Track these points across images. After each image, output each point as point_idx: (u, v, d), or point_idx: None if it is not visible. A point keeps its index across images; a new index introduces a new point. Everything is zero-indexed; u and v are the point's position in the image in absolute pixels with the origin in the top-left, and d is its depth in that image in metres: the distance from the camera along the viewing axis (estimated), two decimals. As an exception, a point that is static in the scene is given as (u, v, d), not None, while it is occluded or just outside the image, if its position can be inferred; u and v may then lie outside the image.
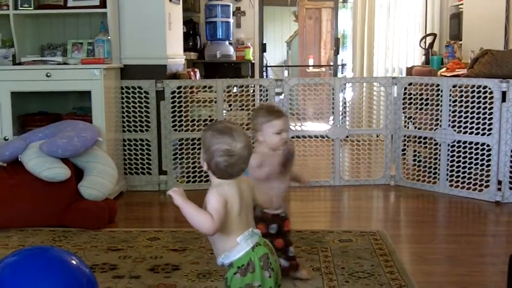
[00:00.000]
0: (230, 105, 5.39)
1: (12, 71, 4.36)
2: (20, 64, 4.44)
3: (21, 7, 4.52)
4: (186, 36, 6.98)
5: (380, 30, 7.53)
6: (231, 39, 7.63)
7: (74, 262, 2.10)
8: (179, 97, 4.88)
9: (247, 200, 1.99)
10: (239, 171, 1.96)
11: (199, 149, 4.76)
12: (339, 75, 8.33)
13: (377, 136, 5.60)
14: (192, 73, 5.80)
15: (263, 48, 8.14)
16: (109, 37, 4.54)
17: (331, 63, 9.51)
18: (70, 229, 3.73)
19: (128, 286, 2.80)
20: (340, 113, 5.02)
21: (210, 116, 5.05)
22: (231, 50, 7.53)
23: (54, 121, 4.31)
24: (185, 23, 6.49)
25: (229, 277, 1.93)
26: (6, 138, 4.29)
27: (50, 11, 4.59)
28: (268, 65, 9.95)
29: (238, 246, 1.93)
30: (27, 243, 3.46)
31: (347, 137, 5.07)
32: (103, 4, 4.52)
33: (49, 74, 4.27)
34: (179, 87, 4.89)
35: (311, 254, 3.23)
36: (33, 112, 4.67)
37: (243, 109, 5.38)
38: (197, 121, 4.97)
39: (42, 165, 3.73)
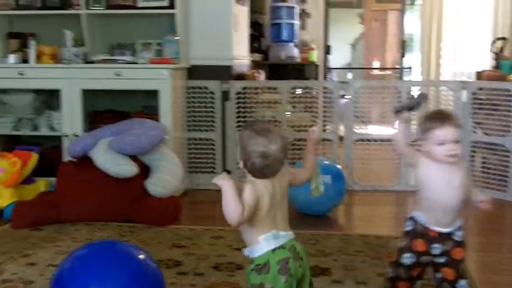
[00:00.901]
0: (294, 107, 5.38)
1: (83, 69, 4.49)
2: (91, 62, 4.57)
3: (92, 6, 4.65)
4: (251, 38, 7.02)
5: (449, 33, 7.36)
6: (295, 41, 7.63)
7: (141, 256, 2.14)
8: (244, 98, 4.91)
9: (279, 197, 2.01)
10: (274, 172, 1.98)
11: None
12: (405, 78, 8.20)
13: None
14: (256, 74, 5.83)
15: (327, 50, 8.10)
16: (177, 38, 4.61)
17: (397, 66, 9.36)
18: (136, 225, 3.81)
19: (192, 283, 2.84)
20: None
21: (274, 117, 5.06)
22: (295, 52, 7.52)
23: (122, 118, 4.41)
24: (251, 24, 6.51)
25: (248, 271, 2.00)
26: (77, 134, 4.42)
27: (121, 11, 4.70)
28: (332, 67, 9.88)
29: (259, 245, 1.97)
30: (94, 237, 3.55)
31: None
32: (171, 5, 4.59)
33: (118, 73, 4.38)
34: (244, 88, 4.93)
35: (375, 259, 3.18)
36: (103, 109, 4.79)
37: (306, 111, 5.36)
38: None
39: (111, 162, 3.83)
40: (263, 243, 1.97)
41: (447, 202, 2.25)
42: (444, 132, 2.19)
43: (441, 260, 2.26)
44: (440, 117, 2.25)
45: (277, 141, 1.95)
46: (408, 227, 2.33)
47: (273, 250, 1.96)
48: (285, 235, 2.00)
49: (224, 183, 1.93)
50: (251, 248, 2.00)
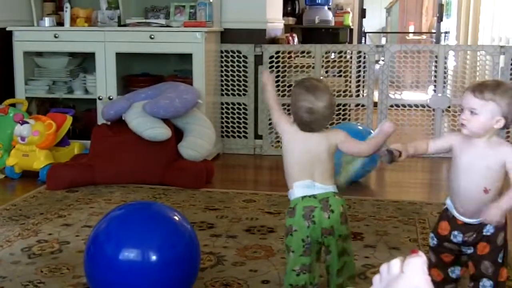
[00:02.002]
0: (327, 72, 5.33)
1: (117, 32, 4.50)
2: (125, 25, 4.57)
3: (127, -31, 4.63)
4: (285, 1, 6.93)
5: (488, -3, 7.17)
6: (330, 4, 7.51)
7: (177, 217, 2.17)
8: (277, 62, 4.87)
9: (319, 153, 2.10)
10: (320, 127, 2.11)
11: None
12: (442, 43, 8.03)
13: (481, 107, 5.37)
14: (290, 38, 5.77)
15: (362, 13, 7.96)
16: (210, 0, 4.58)
17: (433, 31, 9.18)
18: (169, 187, 3.85)
19: (225, 245, 2.86)
20: (443, 82, 4.85)
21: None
22: (329, 16, 7.42)
23: (156, 82, 4.42)
24: (285, -13, 6.44)
25: (286, 212, 2.14)
26: (111, 97, 4.45)
27: (155, -26, 4.68)
28: (366, 31, 9.73)
29: (292, 190, 2.11)
30: (128, 199, 3.60)
31: (448, 107, 4.90)
32: (206, -33, 4.56)
33: (152, 36, 4.38)
34: (277, 52, 4.88)
35: (408, 225, 3.17)
36: (137, 73, 4.81)
37: (340, 76, 5.31)
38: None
39: (144, 125, 3.85)
40: (295, 189, 2.10)
41: (466, 188, 2.02)
42: (465, 97, 2.02)
43: (469, 251, 2.08)
44: (474, 84, 2.06)
45: (324, 98, 2.06)
46: (444, 206, 2.22)
47: (303, 197, 2.08)
48: (322, 187, 2.09)
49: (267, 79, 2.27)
50: (289, 192, 2.13)
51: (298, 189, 2.09)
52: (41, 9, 4.81)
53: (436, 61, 4.82)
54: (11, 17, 4.64)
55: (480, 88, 1.96)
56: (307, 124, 2.08)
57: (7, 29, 4.54)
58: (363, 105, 4.98)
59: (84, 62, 4.80)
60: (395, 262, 0.87)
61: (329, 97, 2.08)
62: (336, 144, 2.13)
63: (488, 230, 2.03)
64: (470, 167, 2.00)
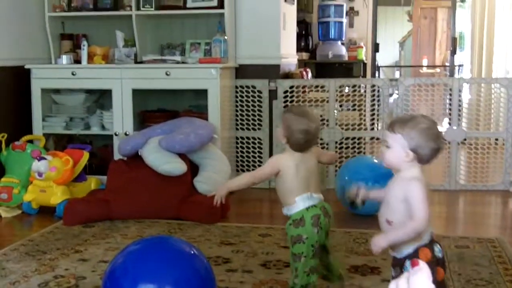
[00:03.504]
0: (341, 105, 5.35)
1: (134, 69, 4.57)
2: (141, 62, 4.64)
3: (143, 7, 4.72)
4: (299, 36, 7.01)
5: (500, 30, 7.19)
6: (343, 39, 7.58)
7: (193, 252, 2.17)
8: (291, 97, 4.91)
9: (312, 167, 2.41)
10: (311, 146, 2.41)
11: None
12: (456, 75, 8.04)
13: (496, 140, 5.36)
14: (304, 72, 5.82)
15: (376, 48, 8.02)
16: (225, 37, 4.64)
17: (447, 64, 9.20)
18: (185, 222, 3.85)
19: (241, 280, 2.85)
20: (457, 114, 4.85)
21: (321, 116, 5.04)
22: (343, 50, 7.48)
23: (172, 117, 4.46)
24: (298, 23, 6.51)
25: (287, 225, 2.40)
26: (127, 133, 4.49)
27: (170, 12, 4.76)
28: (379, 65, 9.78)
29: (295, 204, 2.37)
30: (145, 234, 3.60)
31: (464, 139, 4.89)
32: (220, 5, 4.63)
33: (168, 73, 4.44)
34: (291, 87, 4.92)
35: (425, 258, 3.14)
36: (152, 108, 4.86)
37: (354, 109, 5.33)
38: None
39: (160, 160, 3.88)
40: (298, 203, 2.37)
41: (379, 219, 2.10)
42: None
43: None
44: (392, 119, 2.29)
45: (315, 121, 2.39)
46: None
47: (307, 208, 2.36)
48: (317, 197, 2.40)
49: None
50: (288, 207, 2.39)
51: (301, 202, 2.36)
52: (59, 47, 4.90)
53: (450, 94, 4.83)
54: (29, 55, 4.74)
55: (392, 122, 2.05)
56: (303, 144, 2.37)
57: (25, 66, 4.63)
58: (378, 138, 4.98)
59: (100, 98, 4.87)
60: (403, 281, 0.87)
61: (317, 120, 2.45)
62: (318, 157, 2.48)
63: (407, 268, 2.00)
64: (384, 199, 2.11)
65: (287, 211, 2.41)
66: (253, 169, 4.93)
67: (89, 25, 5.05)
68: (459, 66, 8.38)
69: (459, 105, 4.85)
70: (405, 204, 1.98)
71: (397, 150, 2.01)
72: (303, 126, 2.33)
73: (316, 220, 2.35)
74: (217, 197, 2.42)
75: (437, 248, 2.04)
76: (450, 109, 4.84)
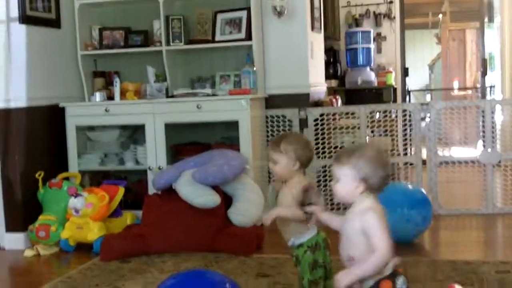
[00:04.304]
0: (372, 131, 5.33)
1: (166, 104, 4.63)
2: (172, 96, 4.70)
3: (172, 43, 4.80)
4: (327, 64, 7.03)
5: (531, 49, 7.12)
6: (372, 65, 7.58)
7: (229, 286, 2.17)
8: (321, 124, 4.91)
9: None
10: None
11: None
12: (488, 97, 7.96)
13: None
14: (333, 100, 5.82)
15: (405, 72, 7.99)
16: (254, 68, 4.69)
17: (478, 86, 9.12)
18: (220, 255, 3.85)
19: (279, 312, 2.83)
20: (491, 136, 4.79)
21: (353, 142, 5.02)
22: (372, 76, 7.47)
23: (204, 150, 4.49)
24: (326, 51, 6.54)
25: (301, 253, 2.42)
26: (161, 167, 4.54)
27: (200, 46, 4.83)
28: (410, 89, 9.73)
29: (309, 231, 2.41)
30: (181, 268, 3.61)
31: (499, 162, 4.82)
32: (248, 37, 4.68)
33: (199, 106, 4.49)
34: (321, 115, 4.93)
35: (466, 286, 3.08)
36: (185, 142, 4.90)
37: (386, 135, 5.29)
38: (340, 148, 4.96)
39: (194, 193, 3.91)
40: (311, 229, 2.42)
41: (341, 253, 2.09)
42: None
43: None
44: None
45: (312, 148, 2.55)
46: None
47: (318, 232, 2.44)
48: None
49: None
50: (300, 236, 2.42)
51: (313, 228, 2.43)
52: (91, 85, 5.00)
53: (483, 116, 4.78)
54: (63, 93, 4.84)
55: (338, 155, 2.07)
56: (310, 159, 2.47)
57: (60, 105, 4.72)
58: (411, 164, 4.94)
59: (134, 133, 4.94)
60: None
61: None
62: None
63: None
64: (342, 234, 2.08)
65: (298, 240, 2.43)
66: (286, 199, 4.91)
67: (121, 62, 5.15)
68: (491, 87, 8.29)
69: (493, 127, 4.80)
70: (365, 237, 1.96)
71: (347, 182, 1.99)
72: (309, 144, 2.51)
73: (327, 242, 2.46)
74: (267, 218, 2.44)
75: (400, 281, 1.99)
76: (483, 132, 4.79)
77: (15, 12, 4.34)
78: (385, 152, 2.05)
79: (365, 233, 1.96)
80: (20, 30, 4.40)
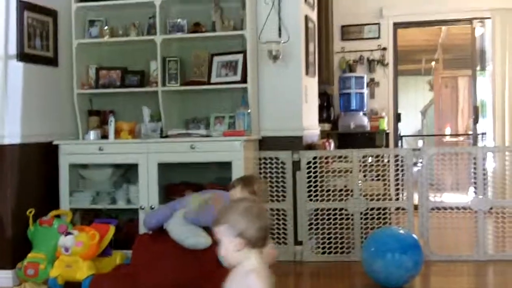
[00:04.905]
0: (365, 175, 5.35)
1: (159, 143, 4.65)
2: (167, 136, 4.73)
3: (168, 83, 4.85)
4: (320, 108, 7.09)
5: (522, 97, 7.22)
6: (365, 109, 7.65)
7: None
8: (314, 167, 4.93)
9: None
10: None
11: (335, 219, 4.75)
12: (479, 144, 8.03)
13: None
14: (327, 143, 5.86)
15: (398, 117, 8.07)
16: (249, 111, 4.73)
17: (470, 132, 9.20)
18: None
19: None
20: (483, 183, 4.82)
21: (345, 186, 5.04)
22: (365, 121, 7.53)
23: (196, 190, 4.48)
24: (320, 95, 6.61)
25: None
26: (153, 207, 4.53)
27: (195, 87, 4.88)
28: (402, 134, 9.80)
29: None
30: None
31: (490, 208, 4.84)
32: (244, 80, 4.74)
33: (193, 146, 4.51)
34: (314, 158, 4.96)
35: (456, 333, 3.07)
36: (177, 182, 4.90)
37: (378, 179, 5.31)
38: (332, 191, 4.98)
39: (185, 234, 3.89)
40: None
41: None
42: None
43: None
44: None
45: None
46: None
47: None
48: None
49: None
50: None
51: None
52: (86, 123, 5.01)
53: (475, 163, 4.82)
54: (57, 130, 4.86)
55: (216, 218, 1.94)
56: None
57: (53, 142, 4.73)
58: (403, 209, 4.95)
59: (127, 172, 4.94)
60: None
61: None
62: None
63: None
64: None
65: None
66: (278, 241, 4.91)
67: (116, 101, 5.18)
68: (482, 134, 8.37)
69: (484, 174, 4.83)
70: None
71: (226, 242, 1.90)
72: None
73: None
74: None
75: None
76: (475, 178, 4.82)
77: (13, 49, 4.39)
78: (259, 203, 2.00)
79: None
80: (18, 68, 4.44)
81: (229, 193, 2.92)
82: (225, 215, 1.91)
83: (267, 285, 1.85)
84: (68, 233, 4.12)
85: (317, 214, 4.96)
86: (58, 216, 4.53)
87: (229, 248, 1.89)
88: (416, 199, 4.93)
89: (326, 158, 5.14)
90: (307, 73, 5.18)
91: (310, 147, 5.22)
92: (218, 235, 1.91)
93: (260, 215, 1.91)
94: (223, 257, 1.92)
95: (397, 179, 4.98)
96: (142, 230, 4.41)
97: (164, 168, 4.65)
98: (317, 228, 4.95)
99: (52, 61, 4.82)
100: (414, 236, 4.18)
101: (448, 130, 11.58)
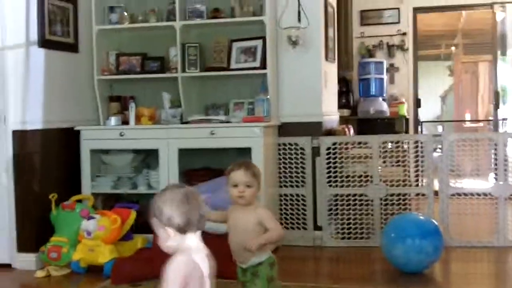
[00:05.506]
0: (384, 161, 5.34)
1: (180, 129, 4.67)
2: (187, 122, 4.75)
3: (188, 70, 4.86)
4: (340, 93, 7.07)
5: (544, 83, 7.14)
6: (384, 95, 7.62)
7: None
8: (334, 153, 4.93)
9: None
10: None
11: (354, 205, 4.76)
12: (500, 130, 7.96)
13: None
14: (346, 129, 5.85)
15: (417, 103, 8.02)
16: (268, 97, 4.73)
17: (490, 118, 9.12)
18: (230, 281, 3.84)
19: None
20: (504, 169, 4.79)
21: (365, 172, 5.03)
22: (384, 106, 7.50)
23: (216, 176, 4.52)
24: (339, 80, 6.60)
25: (261, 270, 2.61)
26: (173, 192, 4.55)
27: (215, 73, 4.89)
28: (421, 120, 9.75)
29: (268, 250, 2.63)
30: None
31: (511, 195, 4.81)
32: (263, 66, 4.74)
33: (213, 132, 4.53)
34: (334, 143, 4.95)
35: (477, 318, 3.07)
36: (197, 167, 4.93)
37: (398, 165, 5.30)
38: (352, 177, 4.97)
39: (206, 218, 3.91)
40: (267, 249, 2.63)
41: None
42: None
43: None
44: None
45: None
46: None
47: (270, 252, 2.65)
48: None
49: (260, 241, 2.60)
50: (262, 254, 2.62)
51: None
52: (107, 109, 5.06)
53: (495, 149, 4.79)
54: (79, 116, 4.90)
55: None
56: None
57: (75, 128, 4.78)
58: (423, 194, 4.94)
59: (147, 158, 4.98)
60: None
61: None
62: None
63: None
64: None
65: (259, 258, 2.62)
66: (297, 226, 4.92)
67: (136, 87, 5.22)
68: (503, 120, 8.30)
69: (505, 160, 4.80)
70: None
71: (160, 233, 1.94)
72: None
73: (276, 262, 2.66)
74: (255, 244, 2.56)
75: None
76: (496, 164, 4.79)
77: (34, 36, 4.43)
78: (186, 188, 1.98)
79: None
80: (39, 54, 4.48)
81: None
82: (153, 207, 1.93)
83: (177, 274, 1.87)
84: (90, 218, 4.17)
85: (336, 200, 4.96)
86: (80, 201, 4.58)
87: (162, 237, 1.93)
88: (436, 185, 4.91)
89: (346, 144, 5.13)
90: (326, 58, 5.17)
91: (330, 133, 5.22)
92: (155, 228, 1.95)
93: (184, 200, 1.90)
94: (162, 248, 1.97)
95: (416, 165, 4.96)
96: (162, 215, 4.44)
97: (184, 154, 4.68)
98: (337, 214, 4.96)
99: (73, 47, 4.86)
100: (434, 221, 4.17)
101: (467, 116, 11.49)
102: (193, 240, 1.96)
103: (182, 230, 1.91)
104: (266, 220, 2.59)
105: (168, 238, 1.92)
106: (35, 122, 4.43)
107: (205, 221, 2.00)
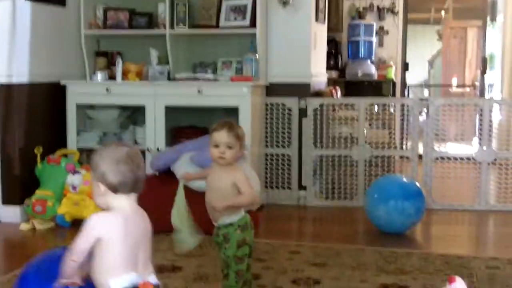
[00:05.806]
0: (370, 124, 5.37)
1: (167, 86, 4.66)
2: (174, 80, 4.73)
3: (176, 26, 4.81)
4: (328, 55, 7.05)
5: (532, 50, 7.16)
6: (373, 58, 7.61)
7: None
8: (320, 115, 4.95)
9: None
10: None
11: (339, 165, 4.79)
12: (486, 95, 8.01)
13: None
14: (333, 91, 5.86)
15: (405, 67, 8.03)
16: (257, 56, 4.71)
17: (476, 83, 9.16)
18: (215, 238, 3.89)
19: (271, 296, 2.88)
20: (488, 135, 4.84)
21: (350, 134, 5.07)
22: (372, 69, 7.50)
23: (203, 134, 4.52)
24: (328, 42, 6.57)
25: (231, 232, 2.52)
26: (159, 149, 4.57)
27: (203, 31, 4.85)
28: (409, 84, 9.77)
29: (240, 212, 2.52)
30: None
31: (494, 160, 4.87)
32: (252, 25, 4.70)
33: (200, 90, 4.52)
34: (321, 105, 4.97)
35: (455, 279, 3.13)
36: (184, 125, 4.93)
37: (384, 128, 5.34)
38: (338, 139, 5.01)
39: (192, 176, 3.93)
40: (241, 210, 2.54)
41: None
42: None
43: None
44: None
45: None
46: None
47: (245, 213, 2.55)
48: None
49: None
50: (233, 215, 2.52)
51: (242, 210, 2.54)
52: (94, 64, 5.02)
53: (481, 115, 4.82)
54: (65, 71, 4.86)
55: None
56: None
57: (61, 83, 4.74)
58: (407, 157, 4.99)
59: (133, 114, 4.97)
60: None
61: None
62: None
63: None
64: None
65: (230, 219, 2.52)
66: (282, 186, 4.97)
67: (124, 43, 5.17)
68: (489, 86, 8.34)
69: (490, 125, 4.84)
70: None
71: (93, 187, 1.88)
72: None
73: (251, 223, 2.57)
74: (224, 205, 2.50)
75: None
76: (480, 130, 4.84)
77: (21, -12, 4.35)
78: (129, 148, 1.88)
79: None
80: (25, 7, 4.41)
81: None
82: (92, 160, 1.88)
83: (85, 232, 1.81)
84: (76, 172, 4.18)
85: (321, 161, 5.00)
86: (65, 155, 4.58)
87: (95, 192, 1.87)
88: (420, 148, 4.96)
89: (333, 105, 5.15)
90: (316, 19, 5.13)
91: (317, 94, 5.22)
92: (91, 180, 1.91)
93: (122, 160, 1.83)
94: (94, 200, 1.93)
95: (402, 129, 5.00)
96: (148, 171, 4.45)
97: (171, 111, 4.67)
98: (321, 174, 5.00)
99: (60, 1, 4.78)
100: (417, 184, 4.22)
101: (455, 81, 11.52)
102: (124, 201, 1.88)
103: (114, 188, 1.83)
104: (241, 183, 2.48)
105: (98, 194, 1.86)
106: (20, 75, 4.38)
107: (142, 185, 1.92)
